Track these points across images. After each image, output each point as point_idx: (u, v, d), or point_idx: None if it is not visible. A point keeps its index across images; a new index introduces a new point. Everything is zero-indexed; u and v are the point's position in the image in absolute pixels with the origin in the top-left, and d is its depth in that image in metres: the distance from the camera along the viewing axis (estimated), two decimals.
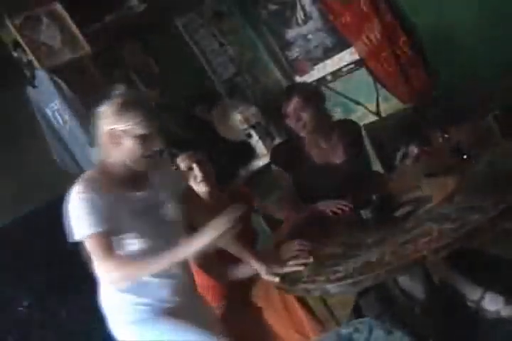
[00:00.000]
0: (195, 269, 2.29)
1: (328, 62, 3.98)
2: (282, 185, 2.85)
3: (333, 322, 2.50)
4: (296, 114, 2.73)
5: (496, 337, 2.26)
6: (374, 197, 2.27)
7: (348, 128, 2.92)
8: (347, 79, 3.93)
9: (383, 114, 3.82)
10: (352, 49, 3.76)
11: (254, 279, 2.39)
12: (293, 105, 2.73)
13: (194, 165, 2.52)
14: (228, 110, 4.05)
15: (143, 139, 1.97)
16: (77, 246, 1.93)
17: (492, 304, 2.32)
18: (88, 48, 3.26)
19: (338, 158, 2.81)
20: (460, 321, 2.39)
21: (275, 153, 2.96)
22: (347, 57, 3.86)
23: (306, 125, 2.73)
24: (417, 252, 1.77)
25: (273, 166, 2.89)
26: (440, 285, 2.49)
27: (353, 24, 3.57)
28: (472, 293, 2.37)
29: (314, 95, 2.84)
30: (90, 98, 3.23)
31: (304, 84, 3.51)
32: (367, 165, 2.93)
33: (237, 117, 3.99)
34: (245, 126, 3.97)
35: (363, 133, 2.97)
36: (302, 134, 2.78)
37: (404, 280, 2.46)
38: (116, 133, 1.96)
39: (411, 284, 2.46)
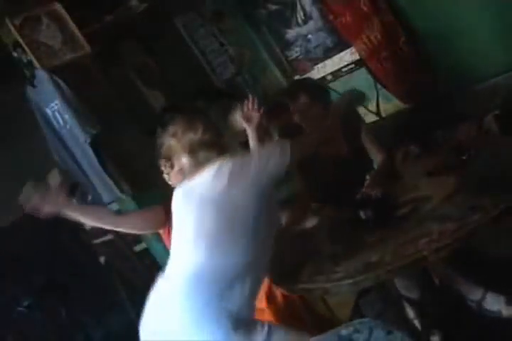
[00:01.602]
0: None
1: (328, 62, 3.97)
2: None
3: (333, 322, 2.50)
4: (303, 111, 2.72)
5: (497, 337, 2.25)
6: (374, 196, 2.27)
7: (346, 118, 2.88)
8: (347, 79, 3.92)
9: (383, 114, 3.81)
10: (352, 49, 3.75)
11: None
12: (301, 103, 2.72)
13: None
14: (228, 110, 4.04)
15: None
16: (77, 245, 1.93)
17: (493, 304, 2.31)
18: (88, 48, 3.26)
19: (341, 149, 2.80)
20: (461, 321, 2.39)
21: None
22: (347, 57, 3.85)
23: (314, 122, 2.72)
24: (417, 252, 1.77)
25: None
26: (440, 285, 2.49)
27: (353, 24, 3.56)
28: (473, 293, 2.36)
29: (320, 91, 2.84)
30: (90, 98, 3.25)
31: (309, 80, 3.51)
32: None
33: (237, 117, 3.98)
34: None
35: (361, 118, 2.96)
36: (308, 131, 2.77)
37: (399, 281, 2.46)
38: None
39: (407, 284, 2.46)
